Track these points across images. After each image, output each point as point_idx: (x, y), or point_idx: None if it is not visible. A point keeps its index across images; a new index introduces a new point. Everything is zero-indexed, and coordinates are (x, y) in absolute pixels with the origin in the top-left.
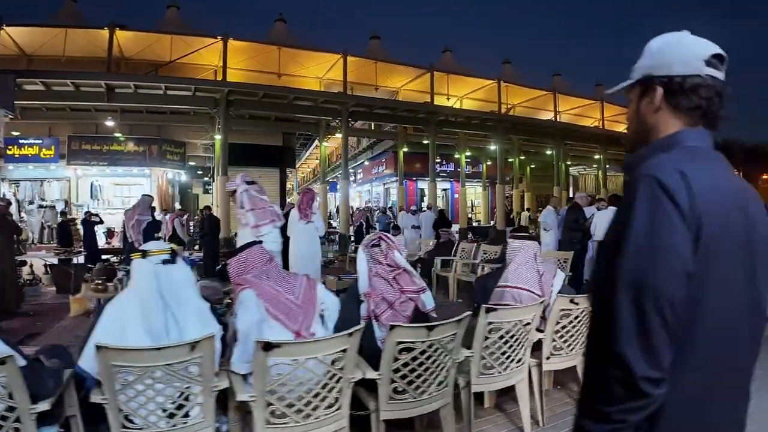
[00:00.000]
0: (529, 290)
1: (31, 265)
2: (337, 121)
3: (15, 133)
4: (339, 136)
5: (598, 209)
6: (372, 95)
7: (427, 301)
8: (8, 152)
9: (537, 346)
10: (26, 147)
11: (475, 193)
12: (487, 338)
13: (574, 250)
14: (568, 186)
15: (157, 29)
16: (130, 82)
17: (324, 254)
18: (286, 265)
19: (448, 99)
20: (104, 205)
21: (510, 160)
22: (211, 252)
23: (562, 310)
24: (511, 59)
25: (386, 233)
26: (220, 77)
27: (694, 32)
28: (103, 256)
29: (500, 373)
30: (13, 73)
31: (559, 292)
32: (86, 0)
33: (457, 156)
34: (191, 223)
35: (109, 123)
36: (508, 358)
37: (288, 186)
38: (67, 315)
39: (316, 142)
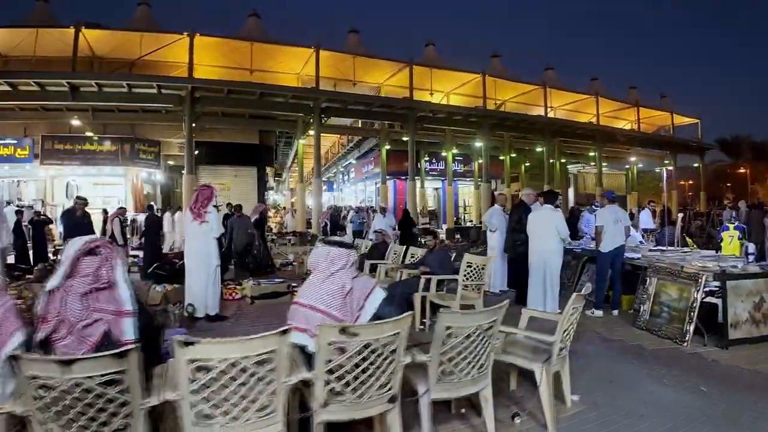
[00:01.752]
0: (324, 311)
1: None
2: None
3: None
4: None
5: (592, 211)
6: (352, 91)
7: (127, 329)
8: None
9: None
10: (1, 147)
11: (468, 193)
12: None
13: (518, 253)
14: (566, 185)
15: (127, 27)
16: (92, 80)
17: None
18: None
19: (431, 95)
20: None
21: (501, 158)
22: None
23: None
24: (500, 53)
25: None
26: (192, 74)
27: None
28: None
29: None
30: None
31: (378, 316)
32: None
33: (444, 154)
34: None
35: (76, 122)
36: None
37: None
38: None
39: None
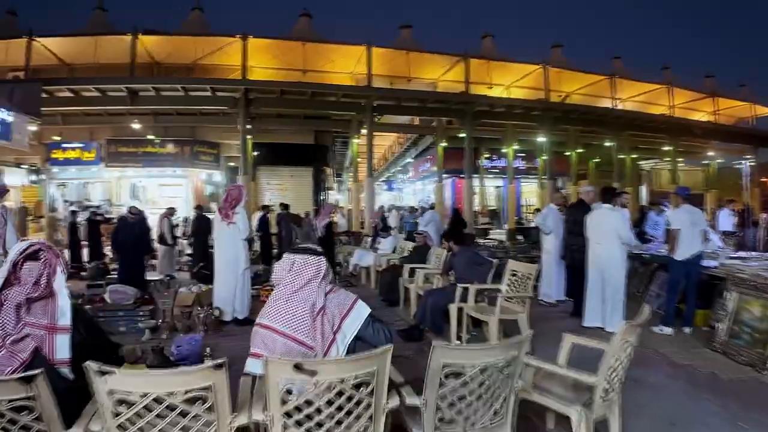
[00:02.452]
0: (287, 335)
1: None
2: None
3: (56, 138)
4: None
5: (660, 212)
6: (406, 88)
7: (61, 347)
8: (53, 155)
9: None
10: (69, 150)
11: (532, 191)
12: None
13: (575, 258)
14: (638, 181)
15: (181, 32)
16: (148, 84)
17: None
18: None
19: (490, 88)
20: (148, 205)
21: (567, 153)
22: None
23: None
24: (562, 43)
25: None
26: (247, 76)
27: None
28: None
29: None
30: (39, 81)
31: (359, 338)
32: (116, 7)
33: (505, 150)
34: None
35: (136, 126)
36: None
37: (328, 184)
38: None
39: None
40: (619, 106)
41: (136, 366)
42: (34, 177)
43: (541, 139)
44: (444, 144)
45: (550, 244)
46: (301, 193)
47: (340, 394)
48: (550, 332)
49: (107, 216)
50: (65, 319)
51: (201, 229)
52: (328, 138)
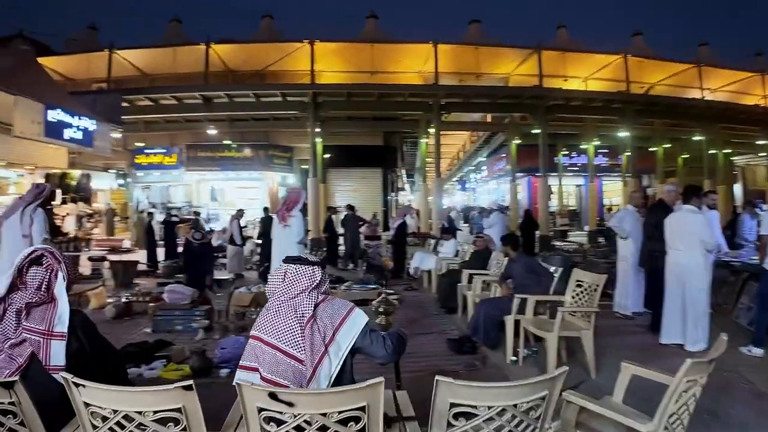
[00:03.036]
0: (276, 347)
1: (103, 259)
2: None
3: (140, 144)
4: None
5: (754, 215)
6: (477, 84)
7: (56, 353)
8: (137, 161)
9: None
10: (152, 156)
11: (616, 190)
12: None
13: (655, 266)
14: (731, 179)
15: (252, 39)
16: (221, 92)
17: None
18: None
19: (565, 81)
20: (226, 206)
21: (653, 149)
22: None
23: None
24: (642, 30)
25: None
26: (316, 80)
27: None
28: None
29: None
30: (119, 91)
31: (358, 350)
32: (191, 18)
33: (584, 146)
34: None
35: (212, 131)
36: None
37: (399, 185)
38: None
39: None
40: (708, 97)
41: (182, 366)
42: (121, 181)
43: (623, 133)
44: (517, 141)
45: (627, 250)
46: (370, 194)
47: (323, 429)
48: (622, 349)
49: (184, 217)
50: (62, 326)
51: (267, 230)
52: (397, 139)
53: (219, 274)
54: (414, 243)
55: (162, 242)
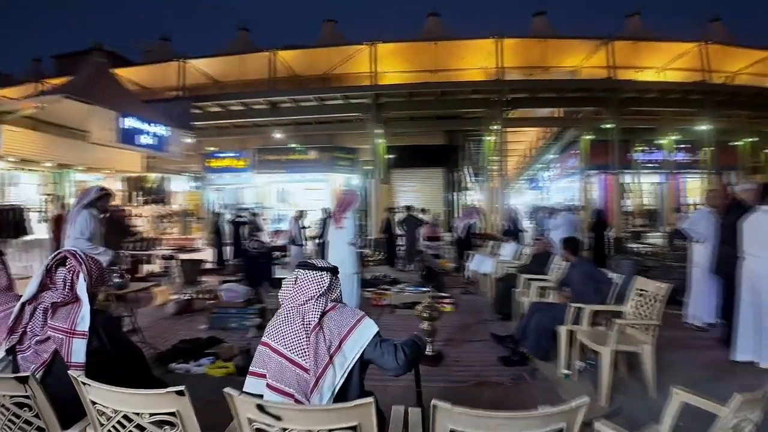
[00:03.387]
0: (282, 353)
1: (172, 257)
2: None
3: (211, 148)
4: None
5: None
6: (543, 78)
7: (77, 350)
8: (209, 164)
9: None
10: (223, 159)
11: (697, 188)
12: None
13: (731, 274)
14: None
15: (315, 44)
16: (285, 96)
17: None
18: None
19: (639, 72)
20: (293, 207)
21: (737, 143)
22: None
23: None
24: (721, 16)
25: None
26: (378, 82)
27: None
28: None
29: None
30: (191, 99)
31: (369, 360)
32: (258, 26)
33: (661, 141)
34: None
35: (278, 135)
36: None
37: (464, 184)
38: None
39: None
40: None
41: (228, 364)
42: (195, 183)
43: (703, 127)
44: (588, 136)
45: (701, 255)
46: (432, 194)
47: None
48: (689, 366)
49: (252, 216)
50: (84, 324)
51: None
52: (460, 137)
53: (283, 273)
54: (476, 245)
55: (230, 242)
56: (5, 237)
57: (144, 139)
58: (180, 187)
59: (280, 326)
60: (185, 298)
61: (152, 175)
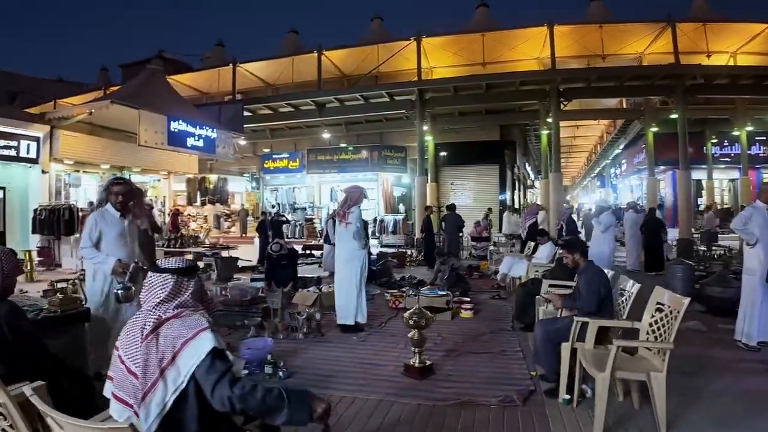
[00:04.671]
0: (123, 361)
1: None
2: (562, 101)
3: (266, 150)
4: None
5: None
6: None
7: None
8: (265, 165)
9: None
10: (277, 161)
11: None
12: None
13: None
14: None
15: (361, 42)
16: (330, 96)
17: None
18: None
19: (708, 57)
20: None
21: None
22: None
23: None
24: None
25: None
26: (426, 77)
27: None
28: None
29: None
30: (241, 102)
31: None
32: (307, 28)
33: (736, 133)
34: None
35: (326, 135)
36: None
37: (525, 181)
38: None
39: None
40: None
41: None
42: (253, 184)
43: None
44: (654, 129)
45: (754, 260)
46: (485, 192)
47: None
48: (726, 396)
49: (302, 212)
50: None
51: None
52: (516, 132)
53: (316, 272)
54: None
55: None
56: (59, 234)
57: (192, 142)
58: (240, 187)
59: (126, 331)
60: None
61: (212, 176)
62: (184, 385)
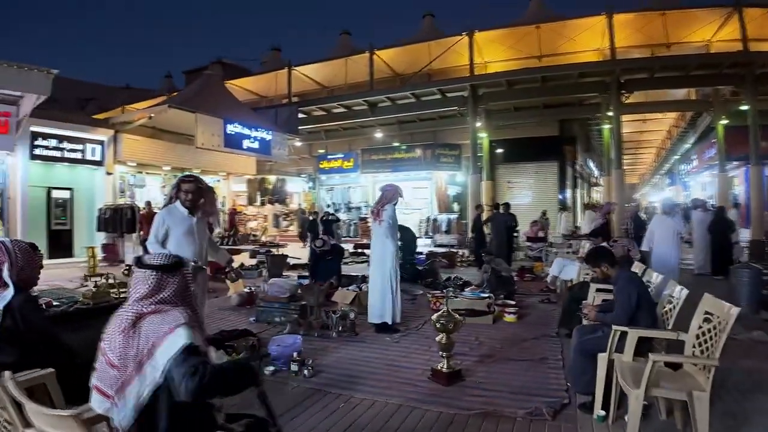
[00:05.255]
0: (105, 353)
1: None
2: (623, 93)
3: (321, 151)
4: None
5: None
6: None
7: None
8: (321, 166)
9: None
10: (332, 161)
11: None
12: None
13: None
14: None
15: (412, 40)
16: (381, 95)
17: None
18: None
19: None
20: (401, 206)
21: None
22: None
23: None
24: None
25: None
26: (479, 73)
27: None
28: None
29: None
30: (296, 104)
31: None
32: (359, 28)
33: None
34: None
35: (381, 135)
36: None
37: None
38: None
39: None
40: None
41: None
42: (310, 184)
43: None
44: (724, 121)
45: None
46: (544, 190)
47: None
48: None
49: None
50: (3, 301)
51: (405, 227)
52: (577, 127)
53: (367, 271)
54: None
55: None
56: (122, 232)
57: (248, 144)
58: (298, 188)
59: (110, 324)
60: (246, 291)
61: (271, 177)
62: (160, 378)
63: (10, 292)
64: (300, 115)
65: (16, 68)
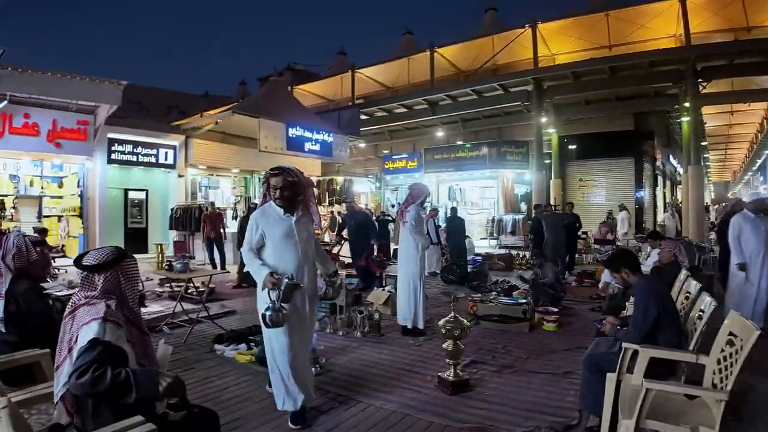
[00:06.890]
0: (60, 344)
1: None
2: (700, 82)
3: (386, 151)
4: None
5: None
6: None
7: None
8: (386, 166)
9: None
10: (397, 161)
11: None
12: None
13: None
14: None
15: (474, 36)
16: (440, 93)
17: None
18: None
19: None
20: (467, 206)
21: None
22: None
23: None
24: None
25: None
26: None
27: None
28: None
29: None
30: (357, 106)
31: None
32: (422, 27)
33: None
34: None
35: (442, 133)
36: None
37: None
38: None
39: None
40: None
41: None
42: (376, 184)
43: None
44: None
45: None
46: (619, 188)
47: None
48: None
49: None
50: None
51: (455, 228)
52: (654, 120)
53: None
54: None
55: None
56: (192, 231)
57: (310, 146)
58: (365, 188)
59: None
60: None
61: (339, 178)
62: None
63: (8, 279)
64: (362, 117)
65: (89, 81)
